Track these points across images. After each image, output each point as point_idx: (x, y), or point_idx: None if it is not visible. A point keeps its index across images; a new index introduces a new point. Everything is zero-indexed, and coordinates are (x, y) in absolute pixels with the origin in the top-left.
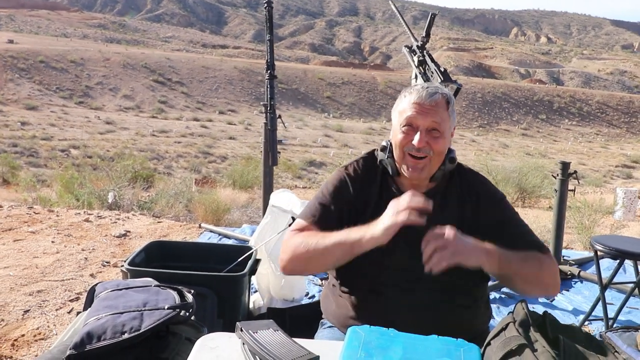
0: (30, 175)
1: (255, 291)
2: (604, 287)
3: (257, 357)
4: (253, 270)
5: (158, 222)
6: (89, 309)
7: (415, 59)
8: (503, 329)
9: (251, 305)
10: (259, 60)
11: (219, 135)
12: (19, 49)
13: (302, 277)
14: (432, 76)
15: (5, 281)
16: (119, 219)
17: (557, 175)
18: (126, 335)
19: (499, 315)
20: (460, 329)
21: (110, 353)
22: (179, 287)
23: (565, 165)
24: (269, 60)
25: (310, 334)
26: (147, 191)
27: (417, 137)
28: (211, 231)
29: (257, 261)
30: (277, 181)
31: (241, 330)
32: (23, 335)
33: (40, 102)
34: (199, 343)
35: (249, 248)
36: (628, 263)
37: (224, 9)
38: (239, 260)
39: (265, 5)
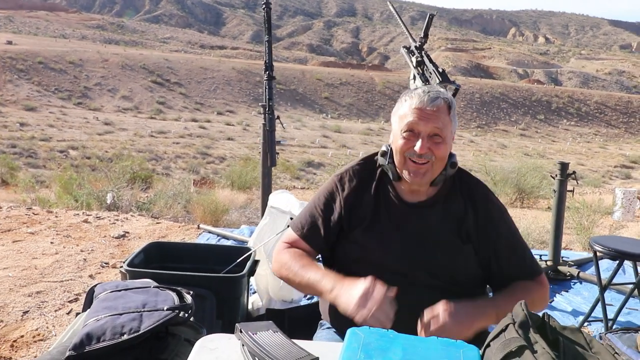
0: (29, 176)
1: (254, 292)
2: (603, 288)
3: (256, 358)
4: (252, 271)
5: (157, 222)
6: (88, 310)
7: (414, 59)
8: (503, 330)
9: (250, 306)
10: (257, 61)
11: (217, 136)
12: (18, 50)
13: None
14: (430, 77)
15: (4, 282)
16: (117, 219)
17: (556, 175)
18: (125, 337)
19: None
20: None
21: (110, 354)
22: (178, 288)
23: (564, 166)
24: (267, 62)
25: (309, 335)
26: (145, 192)
27: (419, 143)
28: (210, 232)
29: (255, 262)
30: (276, 182)
31: (240, 331)
32: (22, 336)
33: (39, 103)
34: (198, 344)
35: (248, 249)
36: (627, 264)
37: (222, 10)
38: (238, 261)
39: (264, 6)
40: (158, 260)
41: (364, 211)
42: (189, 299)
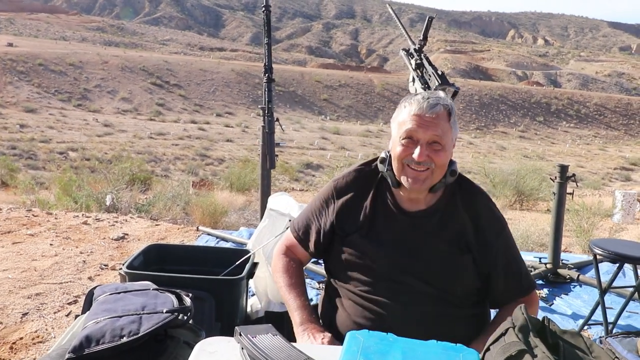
0: (28, 178)
1: (253, 294)
2: (603, 291)
3: None
4: (251, 274)
5: (156, 224)
6: (88, 312)
7: (413, 62)
8: (502, 334)
9: (249, 309)
10: (256, 63)
11: (216, 138)
12: (18, 52)
13: None
14: (429, 79)
15: (3, 284)
16: (117, 221)
17: (556, 178)
18: (125, 339)
19: None
20: (457, 339)
21: (109, 357)
22: (177, 291)
23: (563, 168)
24: (266, 64)
25: None
26: (144, 194)
27: (417, 150)
28: (209, 234)
29: (254, 265)
30: (274, 184)
31: (240, 334)
32: (21, 339)
33: (39, 105)
34: (197, 347)
35: (247, 251)
36: (627, 267)
37: (221, 12)
38: (237, 263)
39: (263, 9)
40: (157, 263)
41: (361, 218)
42: (188, 301)
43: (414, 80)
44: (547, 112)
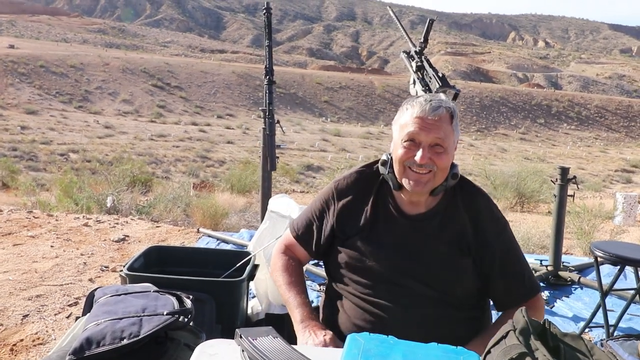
0: (29, 180)
1: (254, 297)
2: (604, 294)
3: None
4: (251, 276)
5: (156, 226)
6: (88, 314)
7: (414, 64)
8: (503, 337)
9: (249, 311)
10: (257, 65)
11: (217, 140)
12: (20, 53)
13: None
14: (430, 82)
15: (4, 286)
16: (117, 223)
17: (556, 180)
18: (125, 341)
19: None
20: (458, 342)
21: (109, 359)
22: (178, 293)
23: (564, 171)
24: (267, 66)
25: None
26: (145, 195)
27: (419, 153)
28: (209, 236)
29: (255, 267)
30: (275, 185)
31: (240, 337)
32: (22, 340)
33: (40, 107)
34: (198, 350)
35: (247, 253)
36: (629, 269)
37: (222, 14)
38: (237, 265)
39: (264, 11)
40: (158, 264)
41: (361, 221)
42: (188, 303)
43: (414, 82)
44: (547, 114)
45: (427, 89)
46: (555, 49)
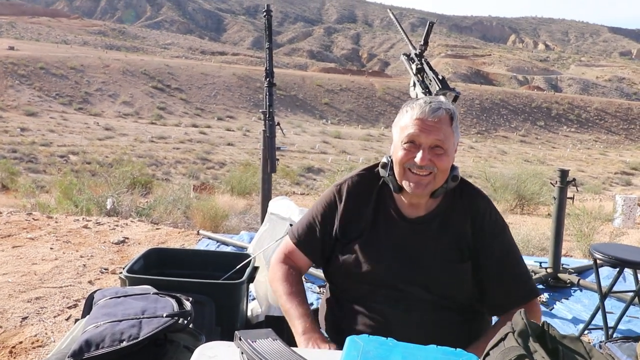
0: (29, 181)
1: (253, 299)
2: (603, 296)
3: None
4: (251, 278)
5: (156, 228)
6: (88, 316)
7: (414, 67)
8: (502, 339)
9: (249, 313)
10: (257, 67)
11: (217, 142)
12: (20, 55)
13: None
14: (430, 84)
15: (3, 288)
16: (117, 225)
17: (556, 182)
18: (125, 344)
19: None
20: (457, 344)
21: None
22: (178, 295)
23: (564, 173)
24: (267, 68)
25: None
26: (145, 197)
27: (419, 155)
28: (209, 238)
29: (255, 269)
30: (275, 187)
31: (240, 339)
32: (21, 343)
33: (40, 108)
34: (197, 352)
35: (247, 255)
36: (628, 272)
37: (223, 16)
38: (237, 267)
39: (265, 13)
40: (157, 267)
41: (362, 224)
42: (188, 305)
43: (414, 84)
44: (547, 117)
45: (427, 91)
46: (555, 51)
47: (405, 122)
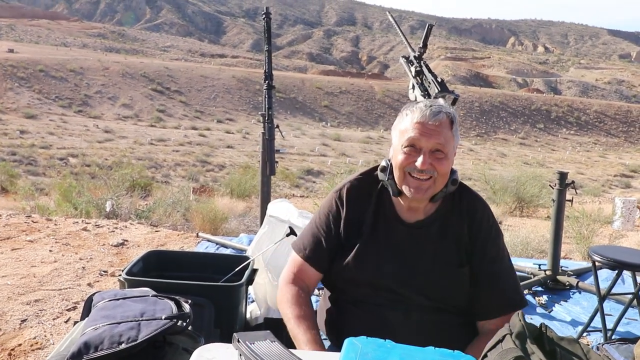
0: (28, 184)
1: (253, 301)
2: (602, 298)
3: None
4: (250, 280)
5: (156, 231)
6: (87, 318)
7: (413, 69)
8: (500, 341)
9: (248, 316)
10: (257, 70)
11: (217, 144)
12: (19, 58)
13: None
14: (429, 86)
15: (2, 290)
16: (116, 227)
17: (555, 185)
18: (123, 346)
19: None
20: (456, 346)
21: None
22: (176, 297)
23: (562, 175)
24: (267, 71)
25: None
26: (144, 200)
27: (420, 159)
28: (209, 240)
29: (254, 271)
30: (275, 190)
31: (238, 341)
32: (20, 345)
33: (39, 111)
34: (195, 354)
35: (247, 258)
36: (627, 274)
37: (222, 19)
38: (237, 270)
39: (264, 16)
40: (157, 269)
41: (362, 228)
42: (187, 307)
43: (414, 87)
44: (547, 119)
45: (426, 93)
46: (555, 54)
47: (405, 125)
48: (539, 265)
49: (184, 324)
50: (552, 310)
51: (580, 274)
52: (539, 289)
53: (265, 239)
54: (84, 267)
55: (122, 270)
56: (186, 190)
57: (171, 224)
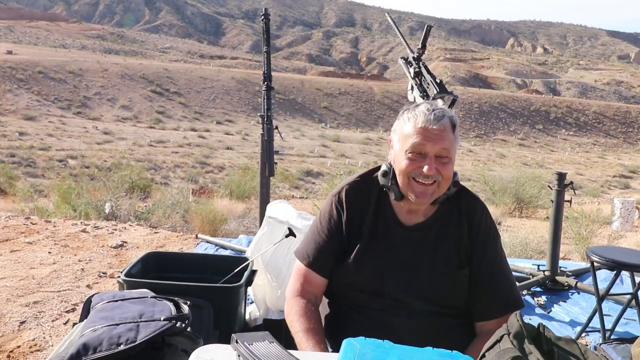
0: (27, 186)
1: (252, 302)
2: (600, 299)
3: None
4: (249, 281)
5: (155, 232)
6: (85, 320)
7: (411, 70)
8: (498, 341)
9: (247, 317)
10: (256, 71)
11: (216, 146)
12: (18, 59)
13: None
14: (427, 87)
15: (1, 292)
16: (115, 229)
17: (553, 186)
18: (122, 347)
19: None
20: (454, 347)
21: None
22: (175, 298)
23: (561, 176)
24: (265, 72)
25: None
26: (144, 201)
27: (426, 165)
28: (208, 242)
29: (253, 272)
30: (275, 191)
31: (236, 342)
32: (19, 347)
33: (38, 113)
34: (194, 355)
35: (246, 259)
36: (625, 274)
37: (221, 20)
38: (236, 271)
39: (262, 17)
40: (156, 270)
41: (362, 232)
42: (186, 309)
43: (412, 88)
44: (546, 120)
45: (424, 94)
46: (554, 55)
47: (408, 130)
48: (538, 266)
49: (183, 325)
50: (551, 310)
51: (579, 274)
52: (538, 289)
53: (264, 240)
54: (82, 269)
55: (121, 272)
56: (185, 191)
57: (170, 226)
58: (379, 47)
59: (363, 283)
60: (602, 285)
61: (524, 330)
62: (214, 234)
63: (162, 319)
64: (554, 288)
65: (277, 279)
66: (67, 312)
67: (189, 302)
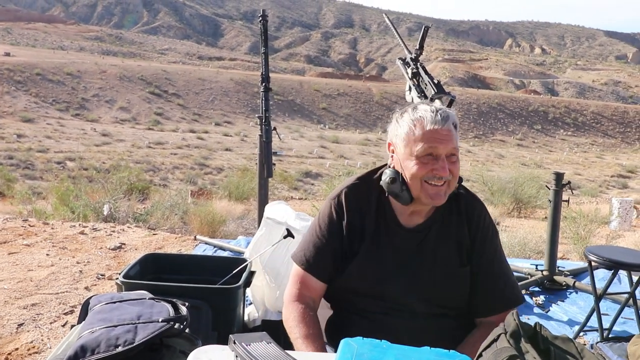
0: (25, 188)
1: (250, 303)
2: (598, 298)
3: None
4: (248, 283)
5: (153, 234)
6: (83, 322)
7: (409, 71)
8: (494, 340)
9: (246, 318)
10: (255, 72)
11: (215, 147)
12: (16, 61)
13: None
14: (425, 88)
15: None
16: (114, 231)
17: (551, 186)
18: (120, 349)
19: None
20: (454, 347)
21: None
22: (174, 300)
23: (559, 176)
24: (263, 73)
25: None
26: (142, 203)
27: (441, 167)
28: (206, 243)
29: (251, 273)
30: (273, 192)
31: (234, 342)
32: (17, 349)
33: (36, 115)
34: (192, 356)
35: (244, 260)
36: (622, 273)
37: (220, 21)
38: (234, 272)
39: (260, 18)
40: (154, 272)
41: (363, 236)
42: (184, 310)
43: (410, 89)
44: (544, 121)
45: (422, 95)
46: (552, 55)
47: (415, 134)
48: (536, 265)
49: (181, 326)
50: (549, 310)
51: (577, 274)
52: (536, 289)
53: (263, 241)
54: (81, 271)
55: (119, 274)
56: (184, 193)
57: (169, 227)
58: (378, 48)
59: (366, 287)
60: (600, 285)
61: (520, 329)
62: (212, 236)
63: (160, 320)
64: (552, 288)
65: (275, 280)
66: (65, 314)
67: (187, 304)
